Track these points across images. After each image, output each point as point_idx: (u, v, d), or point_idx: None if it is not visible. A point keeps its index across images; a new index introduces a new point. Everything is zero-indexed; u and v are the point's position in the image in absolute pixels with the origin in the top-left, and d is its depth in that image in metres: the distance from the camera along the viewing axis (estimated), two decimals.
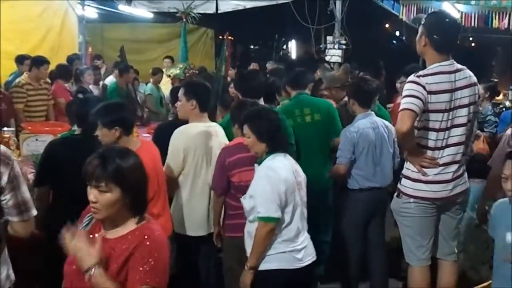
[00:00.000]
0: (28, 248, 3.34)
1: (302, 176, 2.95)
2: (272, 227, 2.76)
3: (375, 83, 4.16)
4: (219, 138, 3.68)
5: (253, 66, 9.14)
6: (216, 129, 3.72)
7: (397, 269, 4.27)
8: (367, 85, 3.98)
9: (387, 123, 4.04)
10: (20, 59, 6.84)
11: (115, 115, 3.04)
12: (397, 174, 4.00)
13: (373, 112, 3.98)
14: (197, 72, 7.93)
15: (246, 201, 2.89)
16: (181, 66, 8.09)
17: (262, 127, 2.87)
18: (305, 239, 2.91)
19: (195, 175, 3.59)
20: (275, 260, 2.81)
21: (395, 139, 3.99)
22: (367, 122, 3.87)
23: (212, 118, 3.98)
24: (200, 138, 3.58)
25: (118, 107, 3.18)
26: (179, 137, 3.55)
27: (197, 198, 3.61)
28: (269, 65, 7.69)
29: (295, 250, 2.84)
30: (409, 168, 3.14)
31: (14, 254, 3.08)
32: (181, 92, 3.62)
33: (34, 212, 2.45)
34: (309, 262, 2.90)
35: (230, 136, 3.65)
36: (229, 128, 3.67)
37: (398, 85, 5.53)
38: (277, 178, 2.76)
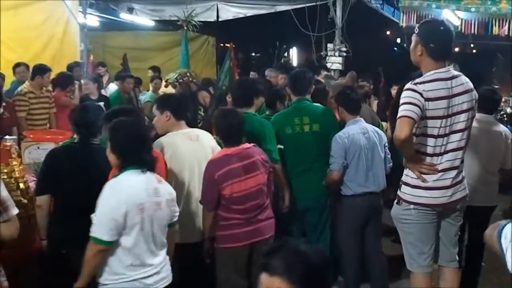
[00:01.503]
0: (30, 257, 3.37)
1: (164, 196, 2.72)
2: (101, 249, 2.54)
3: (364, 90, 4.25)
4: (203, 142, 3.64)
5: (252, 74, 9.17)
6: (197, 133, 3.70)
7: (398, 275, 4.28)
8: (353, 93, 4.14)
9: (377, 128, 4.11)
10: (12, 68, 6.87)
11: None
12: (388, 179, 4.05)
13: (362, 119, 4.04)
14: (193, 80, 7.96)
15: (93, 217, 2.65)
16: (178, 71, 8.13)
17: (116, 139, 2.66)
18: (159, 263, 2.72)
19: (186, 179, 3.55)
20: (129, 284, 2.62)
21: (386, 144, 4.04)
22: (357, 128, 3.93)
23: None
24: (181, 143, 3.55)
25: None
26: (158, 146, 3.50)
27: (194, 202, 3.58)
28: (268, 72, 7.70)
29: (145, 276, 2.65)
30: (408, 175, 3.15)
31: (18, 262, 3.10)
32: (154, 108, 3.61)
33: (15, 211, 2.45)
34: (162, 286, 2.74)
35: None
36: None
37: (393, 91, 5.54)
38: (117, 199, 2.53)
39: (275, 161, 3.79)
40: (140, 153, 2.65)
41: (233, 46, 8.39)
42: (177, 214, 2.88)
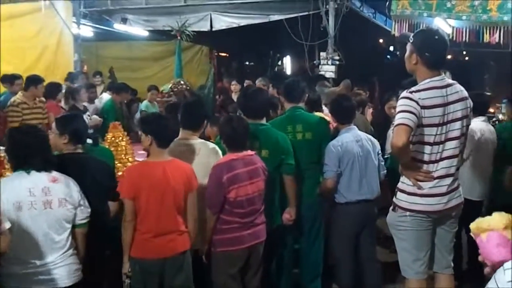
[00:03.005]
0: None
1: (56, 195, 2.84)
2: None
3: (359, 98, 4.24)
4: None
5: (246, 82, 9.21)
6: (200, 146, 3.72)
7: (393, 281, 4.29)
8: (346, 101, 4.14)
9: (370, 136, 4.13)
10: (9, 79, 6.85)
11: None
12: (382, 187, 4.08)
13: (355, 127, 4.06)
14: (188, 88, 8.00)
15: None
16: (172, 82, 8.19)
17: (9, 146, 2.93)
18: (50, 262, 2.80)
19: None
20: (10, 280, 2.72)
21: (379, 152, 4.06)
22: (350, 136, 3.95)
23: (202, 134, 4.01)
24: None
25: None
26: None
27: None
28: (259, 82, 7.72)
29: (37, 272, 2.75)
30: (404, 182, 3.17)
31: None
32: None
33: (7, 225, 2.47)
34: (54, 287, 2.81)
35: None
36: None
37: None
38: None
39: (292, 174, 3.85)
40: (27, 158, 2.84)
41: (215, 53, 8.49)
42: (86, 215, 3.00)
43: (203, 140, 3.74)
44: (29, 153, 2.85)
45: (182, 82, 8.31)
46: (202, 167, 3.54)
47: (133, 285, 3.27)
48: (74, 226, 2.98)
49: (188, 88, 8.03)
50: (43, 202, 2.80)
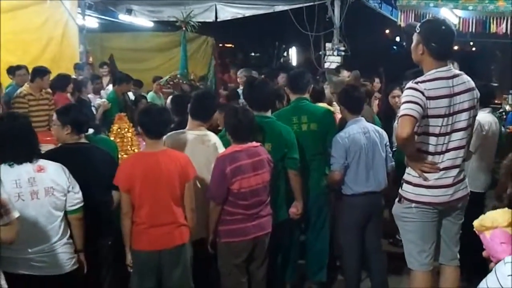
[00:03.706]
0: None
1: (42, 184, 2.86)
2: None
3: (365, 89, 4.19)
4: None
5: (252, 73, 9.20)
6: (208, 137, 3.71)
7: (399, 273, 4.29)
8: (356, 92, 4.08)
9: (378, 127, 4.09)
10: (11, 71, 6.86)
11: None
12: (390, 178, 4.07)
13: (363, 118, 4.03)
14: (184, 82, 8.04)
15: None
16: (168, 75, 8.28)
17: None
18: (38, 250, 2.83)
19: None
20: (2, 263, 2.70)
21: (387, 143, 4.04)
22: (357, 128, 3.92)
23: (212, 126, 4.00)
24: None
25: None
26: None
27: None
28: (240, 74, 7.71)
29: (28, 258, 2.80)
30: (410, 173, 3.16)
31: None
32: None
33: (16, 214, 2.48)
34: (40, 274, 2.83)
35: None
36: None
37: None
38: None
39: (296, 169, 3.83)
40: (8, 151, 2.84)
41: (219, 44, 8.59)
42: (77, 200, 3.01)
43: (208, 132, 3.74)
44: (10, 145, 2.85)
45: (178, 76, 8.37)
46: (206, 158, 3.55)
47: (132, 276, 3.30)
48: (66, 213, 2.99)
49: (184, 82, 8.07)
50: (30, 193, 2.82)
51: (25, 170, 2.85)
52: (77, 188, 3.03)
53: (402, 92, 3.62)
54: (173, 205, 3.23)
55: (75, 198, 3.02)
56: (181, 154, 3.33)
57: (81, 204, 3.05)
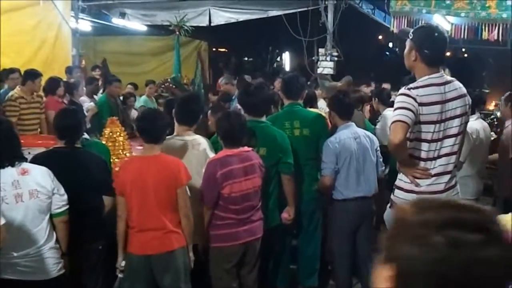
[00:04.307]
0: None
1: (27, 187, 2.84)
2: None
3: (358, 95, 4.22)
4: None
5: (246, 78, 9.19)
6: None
7: None
8: (346, 97, 4.11)
9: (368, 133, 4.12)
10: (5, 73, 6.80)
11: None
12: (380, 183, 4.08)
13: (353, 123, 4.05)
14: (174, 86, 8.06)
15: None
16: (160, 80, 8.34)
17: None
18: (25, 254, 2.82)
19: None
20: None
21: (378, 149, 4.06)
22: (348, 133, 3.94)
23: (201, 130, 3.99)
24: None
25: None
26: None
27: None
28: (221, 81, 7.68)
29: (14, 263, 2.78)
30: (402, 179, 3.16)
31: None
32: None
33: (1, 221, 2.48)
34: (20, 278, 2.81)
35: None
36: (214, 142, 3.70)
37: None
38: None
39: (290, 173, 3.82)
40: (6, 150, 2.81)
41: (210, 48, 8.68)
42: (62, 203, 2.98)
43: (197, 136, 3.72)
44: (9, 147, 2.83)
45: (169, 80, 8.41)
46: (198, 163, 3.53)
47: (123, 279, 3.28)
48: (52, 216, 2.96)
49: (175, 86, 8.09)
50: (14, 196, 2.79)
51: (9, 173, 2.82)
52: (62, 190, 3.00)
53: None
54: (160, 212, 3.18)
55: (61, 200, 2.98)
56: (174, 159, 3.29)
57: (67, 207, 3.02)
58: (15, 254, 2.78)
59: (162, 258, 3.20)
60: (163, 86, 8.33)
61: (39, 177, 2.91)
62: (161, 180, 3.16)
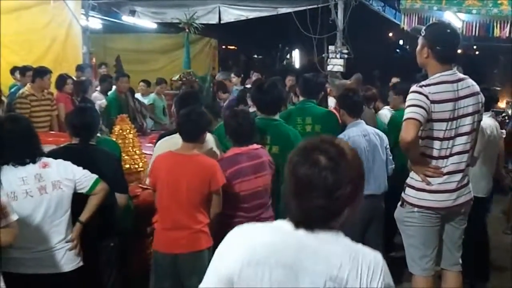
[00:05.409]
0: None
1: (49, 179, 2.85)
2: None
3: (370, 93, 4.20)
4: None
5: (255, 76, 9.19)
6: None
7: (400, 278, 4.27)
8: (355, 95, 4.11)
9: (378, 131, 4.09)
10: (20, 71, 6.86)
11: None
12: (390, 181, 4.05)
13: (363, 121, 4.03)
14: (196, 79, 8.08)
15: None
16: (182, 72, 8.32)
17: None
18: (47, 248, 2.83)
19: None
20: (9, 265, 2.73)
21: (387, 146, 4.02)
22: (357, 130, 3.92)
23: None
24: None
25: None
26: (161, 146, 3.52)
27: None
28: (219, 77, 7.75)
29: (36, 257, 2.79)
30: (413, 177, 3.14)
31: None
32: None
33: (14, 217, 2.48)
34: (41, 272, 2.82)
35: (222, 145, 3.65)
36: (221, 136, 3.65)
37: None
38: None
39: None
40: (11, 153, 2.82)
41: (219, 45, 8.72)
42: (89, 176, 2.97)
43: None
44: (12, 147, 2.83)
45: (192, 73, 8.40)
46: None
47: (151, 274, 3.31)
48: (87, 195, 2.98)
49: (197, 80, 8.11)
50: (38, 188, 2.81)
51: (31, 168, 2.85)
52: (82, 170, 2.99)
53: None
54: (191, 210, 3.17)
55: (92, 178, 2.99)
56: (210, 161, 3.26)
57: (95, 177, 3.00)
58: (39, 248, 2.80)
59: (190, 258, 3.18)
60: (184, 79, 8.31)
61: (62, 168, 2.93)
62: (195, 181, 3.14)
